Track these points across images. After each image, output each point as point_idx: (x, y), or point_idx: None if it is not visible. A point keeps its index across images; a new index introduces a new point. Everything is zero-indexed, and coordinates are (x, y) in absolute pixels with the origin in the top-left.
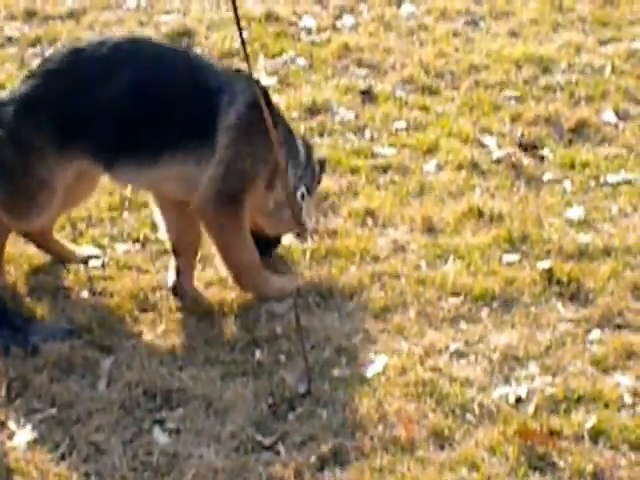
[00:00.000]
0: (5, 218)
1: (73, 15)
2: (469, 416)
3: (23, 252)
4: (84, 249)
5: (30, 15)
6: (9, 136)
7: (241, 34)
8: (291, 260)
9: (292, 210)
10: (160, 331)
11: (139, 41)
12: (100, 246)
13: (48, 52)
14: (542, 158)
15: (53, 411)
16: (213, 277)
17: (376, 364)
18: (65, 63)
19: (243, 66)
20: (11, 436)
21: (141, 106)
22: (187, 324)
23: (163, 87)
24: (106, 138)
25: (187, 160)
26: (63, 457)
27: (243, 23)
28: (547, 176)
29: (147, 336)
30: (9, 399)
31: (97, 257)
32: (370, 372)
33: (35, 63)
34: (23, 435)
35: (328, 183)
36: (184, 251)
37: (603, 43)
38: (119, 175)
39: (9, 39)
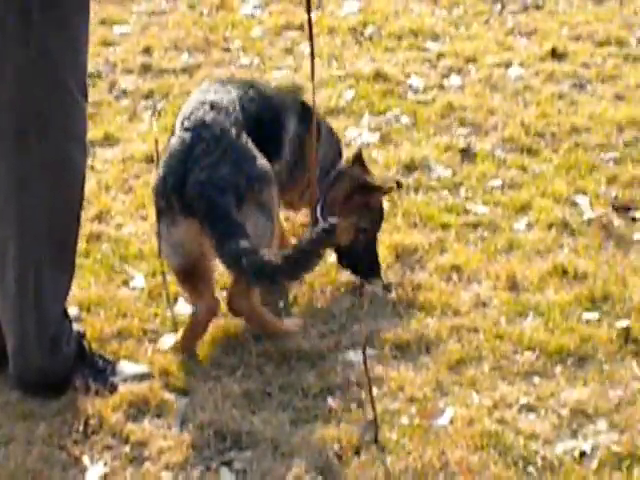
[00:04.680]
0: None
1: (187, 70)
2: (531, 468)
3: (114, 296)
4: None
5: (146, 69)
6: None
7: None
8: (373, 312)
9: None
10: (238, 375)
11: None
12: None
13: (159, 104)
14: (634, 219)
15: (126, 449)
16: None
17: (445, 415)
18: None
19: (349, 121)
20: (84, 471)
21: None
22: (265, 370)
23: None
24: None
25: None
26: None
27: (352, 81)
28: (637, 237)
29: (224, 380)
30: (85, 435)
31: None
32: (438, 422)
33: (147, 115)
34: (95, 471)
35: (417, 237)
36: None
37: None
38: None
39: (124, 92)
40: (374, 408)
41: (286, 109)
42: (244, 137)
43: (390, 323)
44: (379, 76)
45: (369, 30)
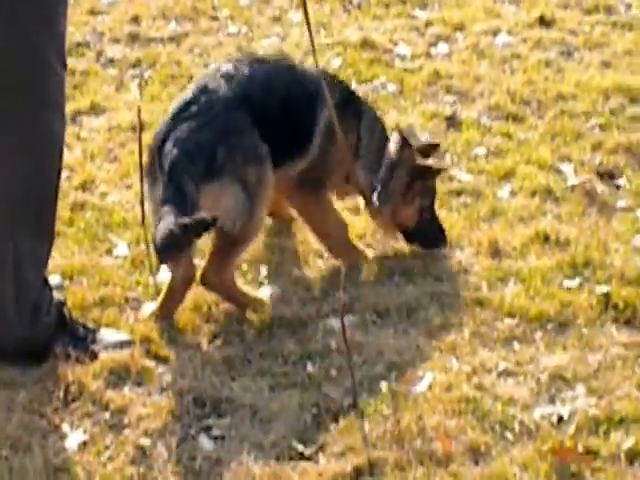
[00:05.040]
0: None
1: (174, 39)
2: (508, 433)
3: (97, 264)
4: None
5: (133, 38)
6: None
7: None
8: (354, 278)
9: (363, 194)
10: (219, 342)
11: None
12: None
13: (146, 73)
14: (618, 186)
15: (106, 416)
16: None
17: (423, 381)
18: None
19: None
20: (64, 438)
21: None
22: (245, 336)
23: (287, 100)
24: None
25: (295, 160)
26: (111, 459)
27: (340, 49)
28: (620, 204)
29: (205, 347)
30: (65, 403)
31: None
32: (416, 388)
33: (134, 84)
34: (75, 437)
35: None
36: None
37: None
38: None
39: (111, 61)
40: (352, 374)
41: (321, 96)
42: (244, 112)
43: (371, 290)
44: (366, 44)
45: None
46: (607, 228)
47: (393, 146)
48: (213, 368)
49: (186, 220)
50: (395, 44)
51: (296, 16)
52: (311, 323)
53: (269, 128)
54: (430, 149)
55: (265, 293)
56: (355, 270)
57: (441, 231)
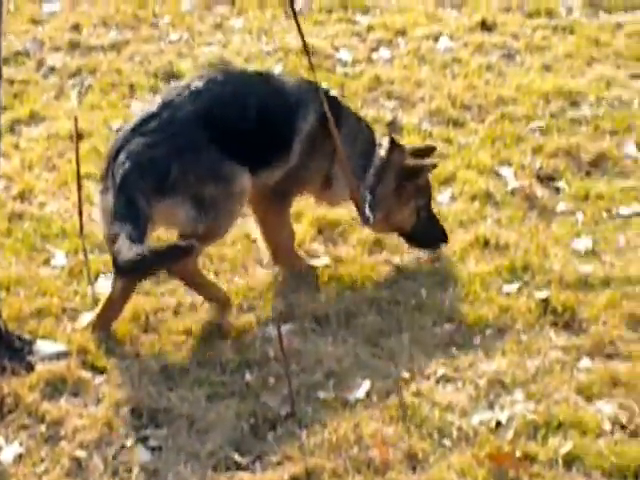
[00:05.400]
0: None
1: (115, 47)
2: (446, 440)
3: (34, 275)
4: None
5: (74, 46)
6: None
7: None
8: (294, 285)
9: (356, 203)
10: (157, 352)
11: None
12: (110, 269)
13: (87, 82)
14: (558, 190)
15: (42, 428)
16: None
17: (361, 388)
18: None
19: None
20: None
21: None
22: (184, 346)
23: (262, 110)
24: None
25: (274, 168)
26: (46, 472)
27: (281, 55)
28: (560, 207)
29: (143, 357)
30: (1, 415)
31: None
32: (354, 395)
33: (74, 93)
34: (10, 450)
35: (340, 211)
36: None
37: (634, 77)
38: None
39: (51, 69)
40: (290, 383)
41: (302, 105)
42: (206, 130)
43: (311, 297)
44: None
45: (299, 3)
46: (547, 232)
47: (382, 151)
48: (151, 378)
49: (162, 248)
50: (336, 50)
51: (237, 23)
52: (249, 331)
53: (240, 142)
54: (426, 152)
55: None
56: (294, 277)
57: (441, 228)
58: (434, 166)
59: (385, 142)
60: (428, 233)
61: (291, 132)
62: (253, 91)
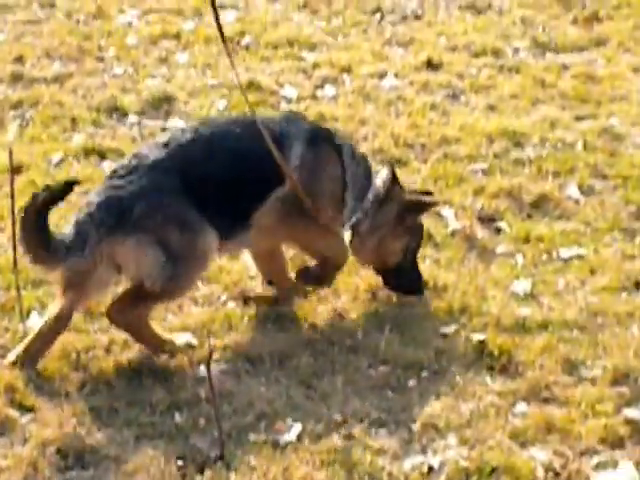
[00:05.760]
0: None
1: (58, 79)
2: None
3: None
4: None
5: (16, 79)
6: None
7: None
8: (228, 325)
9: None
10: (87, 391)
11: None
12: (43, 305)
13: (27, 114)
14: (498, 231)
15: None
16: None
17: (292, 431)
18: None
19: None
20: None
21: (237, 177)
22: (115, 385)
23: (244, 157)
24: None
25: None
26: None
27: (225, 91)
28: (500, 249)
29: (72, 395)
30: None
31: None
32: (285, 438)
33: (13, 125)
34: None
35: None
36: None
37: (579, 119)
38: (234, 242)
39: None
40: (219, 425)
41: (286, 139)
42: (175, 177)
43: (244, 337)
44: (252, 86)
45: (246, 39)
46: (486, 274)
47: (381, 181)
48: (79, 418)
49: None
50: (281, 86)
51: (182, 57)
52: (181, 371)
53: (219, 186)
54: (426, 205)
55: (182, 339)
56: (229, 317)
57: (420, 280)
58: (435, 204)
59: (384, 173)
60: (407, 278)
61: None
62: (229, 135)
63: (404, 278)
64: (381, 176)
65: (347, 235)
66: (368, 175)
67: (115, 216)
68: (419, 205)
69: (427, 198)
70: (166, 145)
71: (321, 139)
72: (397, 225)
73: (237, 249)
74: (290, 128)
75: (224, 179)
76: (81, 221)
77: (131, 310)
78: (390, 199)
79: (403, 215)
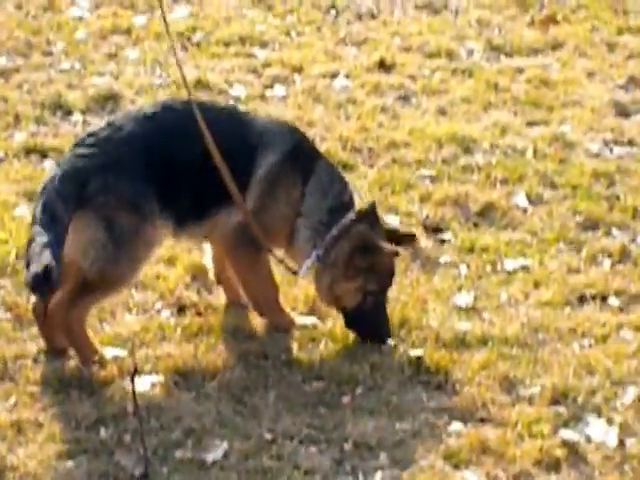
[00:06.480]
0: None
1: (4, 74)
2: None
3: None
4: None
5: None
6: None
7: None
8: (161, 336)
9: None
10: (11, 403)
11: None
12: None
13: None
14: (443, 241)
15: None
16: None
17: (219, 449)
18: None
19: None
20: None
21: (201, 168)
22: (41, 398)
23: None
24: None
25: (226, 210)
26: None
27: (173, 89)
28: (444, 259)
29: None
30: None
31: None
32: (212, 456)
33: None
34: None
35: None
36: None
37: (530, 125)
38: (187, 231)
39: None
40: (143, 441)
41: (264, 145)
42: (140, 159)
43: (177, 348)
44: (201, 84)
45: (197, 36)
46: (428, 285)
47: (353, 214)
48: (1, 433)
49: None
50: (230, 85)
51: (132, 53)
52: (110, 383)
53: (181, 178)
54: (403, 239)
55: (111, 353)
56: (162, 327)
57: (385, 326)
58: (397, 254)
59: (362, 208)
60: (368, 323)
61: (248, 171)
62: (209, 124)
63: (363, 322)
64: (354, 211)
65: (306, 268)
66: (338, 209)
67: (74, 189)
68: (374, 248)
69: (391, 247)
70: (145, 121)
71: (296, 159)
72: (349, 265)
73: (191, 240)
74: (275, 137)
75: (190, 169)
76: (47, 190)
77: (72, 305)
78: (347, 237)
79: (354, 255)
